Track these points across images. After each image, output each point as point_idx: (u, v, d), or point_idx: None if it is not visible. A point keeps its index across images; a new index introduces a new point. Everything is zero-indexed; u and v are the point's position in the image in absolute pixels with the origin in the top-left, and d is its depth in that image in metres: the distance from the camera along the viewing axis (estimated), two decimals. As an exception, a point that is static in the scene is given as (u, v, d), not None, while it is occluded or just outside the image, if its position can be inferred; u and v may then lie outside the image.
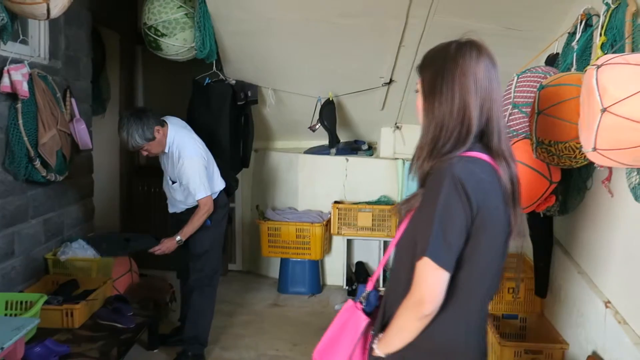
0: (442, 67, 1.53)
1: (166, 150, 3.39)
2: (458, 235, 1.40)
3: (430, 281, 1.40)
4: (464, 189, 1.39)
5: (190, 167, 3.33)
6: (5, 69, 3.13)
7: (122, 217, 5.51)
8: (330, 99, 4.50)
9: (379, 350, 1.53)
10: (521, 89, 3.06)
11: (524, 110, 3.03)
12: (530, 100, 2.95)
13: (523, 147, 2.95)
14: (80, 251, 3.75)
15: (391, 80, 4.38)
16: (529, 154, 2.85)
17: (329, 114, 4.46)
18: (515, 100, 3.07)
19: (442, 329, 1.46)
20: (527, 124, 3.01)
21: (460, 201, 1.39)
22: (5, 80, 3.13)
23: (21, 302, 3.08)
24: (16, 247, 3.39)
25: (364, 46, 4.05)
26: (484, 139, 1.51)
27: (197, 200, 3.37)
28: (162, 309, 3.94)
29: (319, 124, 4.49)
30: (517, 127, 3.10)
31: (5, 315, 3.05)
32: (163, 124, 3.38)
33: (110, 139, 5.36)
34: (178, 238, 3.39)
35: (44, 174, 3.41)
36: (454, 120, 1.49)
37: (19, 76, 3.18)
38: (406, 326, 1.47)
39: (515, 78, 3.10)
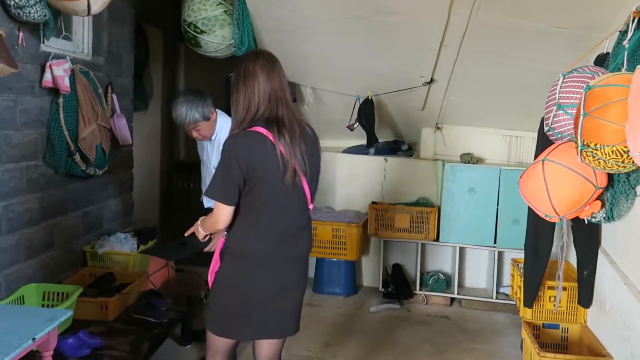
0: (237, 71, 2.25)
1: (212, 138, 3.36)
2: (232, 180, 2.15)
3: (217, 211, 2.23)
4: (235, 152, 2.13)
5: None
6: (48, 64, 3.19)
7: (161, 212, 5.58)
8: (369, 98, 4.43)
9: (200, 225, 2.41)
10: (567, 89, 2.93)
11: (569, 111, 2.90)
12: (576, 101, 2.82)
13: (567, 150, 2.82)
14: (117, 245, 3.80)
15: (432, 80, 4.28)
16: (573, 158, 2.72)
17: (368, 113, 4.39)
18: (560, 101, 2.94)
19: (237, 238, 2.25)
20: (573, 126, 2.88)
21: (232, 160, 2.13)
22: (47, 75, 3.19)
23: (58, 293, 3.14)
24: (55, 238, 3.46)
25: (404, 45, 3.96)
26: (267, 114, 2.19)
27: None
28: (197, 304, 3.95)
29: (357, 123, 4.42)
30: (561, 130, 2.97)
31: (42, 305, 3.12)
32: (215, 109, 3.36)
33: (152, 135, 5.46)
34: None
35: (84, 168, 3.47)
36: (243, 108, 2.19)
37: (60, 71, 3.23)
38: (209, 227, 2.36)
39: (561, 78, 2.97)
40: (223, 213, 2.21)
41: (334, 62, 4.25)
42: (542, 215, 2.94)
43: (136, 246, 3.87)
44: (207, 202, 3.58)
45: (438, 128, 4.93)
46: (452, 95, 4.49)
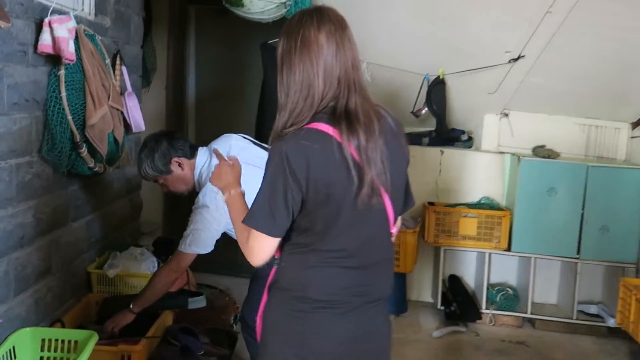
0: (287, 40, 1.54)
1: (197, 190, 2.50)
2: (282, 203, 1.48)
3: (255, 242, 1.53)
4: (288, 161, 1.46)
5: (196, 214, 2.40)
6: (46, 20, 2.27)
7: (166, 212, 4.67)
8: (441, 78, 3.61)
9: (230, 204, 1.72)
10: None
11: None
12: None
13: None
14: (132, 264, 2.93)
15: (519, 56, 3.48)
16: None
17: (439, 95, 3.58)
18: None
19: (292, 273, 1.58)
20: None
21: (283, 173, 1.46)
22: (46, 36, 2.27)
23: (62, 340, 2.27)
24: (53, 260, 2.56)
25: (497, 10, 3.17)
26: (333, 104, 1.52)
27: (177, 250, 2.44)
28: (232, 338, 3.11)
29: (426, 108, 3.61)
30: None
31: (41, 358, 2.24)
32: (190, 155, 2.51)
33: (155, 118, 4.51)
34: (131, 306, 2.51)
35: (91, 165, 2.57)
36: (299, 96, 1.51)
37: (63, 32, 2.31)
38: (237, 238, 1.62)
39: None
40: (265, 246, 1.54)
41: (399, 32, 3.43)
42: None
43: (156, 264, 3.01)
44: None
45: (504, 115, 4.15)
46: (534, 76, 3.70)
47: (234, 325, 3.36)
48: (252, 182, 2.37)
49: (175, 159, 2.49)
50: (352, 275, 1.58)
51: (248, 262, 1.59)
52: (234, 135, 2.59)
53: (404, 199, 1.71)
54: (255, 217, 1.52)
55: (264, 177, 1.52)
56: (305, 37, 1.51)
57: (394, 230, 1.66)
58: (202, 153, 2.54)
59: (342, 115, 1.50)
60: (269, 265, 1.83)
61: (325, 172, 1.48)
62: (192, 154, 2.53)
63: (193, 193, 2.57)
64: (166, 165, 2.49)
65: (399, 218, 1.73)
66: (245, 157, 2.48)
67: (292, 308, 1.58)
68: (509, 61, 3.49)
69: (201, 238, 2.39)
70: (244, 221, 1.54)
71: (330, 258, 1.56)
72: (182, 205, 4.67)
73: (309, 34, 1.50)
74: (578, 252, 3.84)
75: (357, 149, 1.48)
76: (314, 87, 1.50)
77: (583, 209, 3.81)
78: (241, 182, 2.38)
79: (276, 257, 1.64)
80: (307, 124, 1.50)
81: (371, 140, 1.50)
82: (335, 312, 1.57)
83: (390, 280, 1.70)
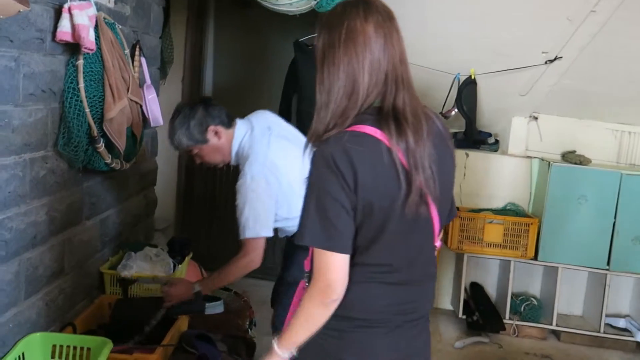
0: (329, 33, 1.41)
1: (233, 163, 2.41)
2: (337, 211, 1.33)
3: (324, 267, 1.36)
4: (335, 164, 1.32)
5: (247, 191, 2.24)
6: (66, 6, 2.13)
7: (179, 209, 4.54)
8: (472, 78, 3.46)
9: (280, 349, 1.43)
10: None
11: None
12: None
13: None
14: (147, 265, 2.79)
15: (556, 57, 3.32)
16: None
17: (470, 96, 3.44)
18: None
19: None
20: None
21: (335, 178, 1.32)
22: (65, 23, 2.13)
23: (74, 347, 2.14)
24: (66, 260, 2.43)
25: (536, 8, 3.02)
26: (378, 103, 1.40)
27: (241, 240, 2.27)
28: (248, 344, 2.98)
29: (456, 109, 3.46)
30: None
31: (52, 365, 2.12)
32: (228, 124, 2.38)
33: (170, 111, 4.37)
34: (196, 288, 2.39)
35: (108, 161, 2.43)
36: (342, 93, 1.38)
37: (84, 19, 2.17)
38: (312, 315, 1.41)
39: None
40: (335, 267, 1.36)
41: (430, 29, 3.27)
42: None
43: (172, 266, 2.87)
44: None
45: (534, 118, 3.99)
46: (569, 78, 3.55)
47: (250, 330, 3.23)
48: (289, 157, 2.27)
49: (212, 127, 2.35)
50: (395, 292, 1.46)
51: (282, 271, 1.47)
52: (267, 112, 2.57)
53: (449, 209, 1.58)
54: (310, 233, 1.34)
55: (310, 186, 1.37)
56: (351, 28, 1.38)
57: (438, 243, 1.53)
58: (242, 124, 2.43)
59: (390, 114, 1.37)
60: (299, 270, 1.70)
61: (372, 178, 1.34)
62: (227, 123, 2.40)
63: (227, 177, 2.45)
64: (202, 134, 2.34)
65: (442, 230, 1.59)
66: (284, 133, 2.45)
67: (327, 326, 1.43)
68: (545, 62, 3.32)
69: (260, 217, 2.22)
70: (297, 241, 1.38)
71: (374, 273, 1.43)
72: (196, 200, 4.57)
73: (354, 25, 1.38)
74: (608, 263, 3.69)
75: (405, 152, 1.35)
76: (358, 83, 1.37)
77: (615, 218, 3.66)
78: (279, 156, 2.32)
79: (307, 270, 1.51)
80: (350, 125, 1.37)
81: (420, 143, 1.37)
82: (375, 332, 1.45)
83: (432, 297, 1.59)
